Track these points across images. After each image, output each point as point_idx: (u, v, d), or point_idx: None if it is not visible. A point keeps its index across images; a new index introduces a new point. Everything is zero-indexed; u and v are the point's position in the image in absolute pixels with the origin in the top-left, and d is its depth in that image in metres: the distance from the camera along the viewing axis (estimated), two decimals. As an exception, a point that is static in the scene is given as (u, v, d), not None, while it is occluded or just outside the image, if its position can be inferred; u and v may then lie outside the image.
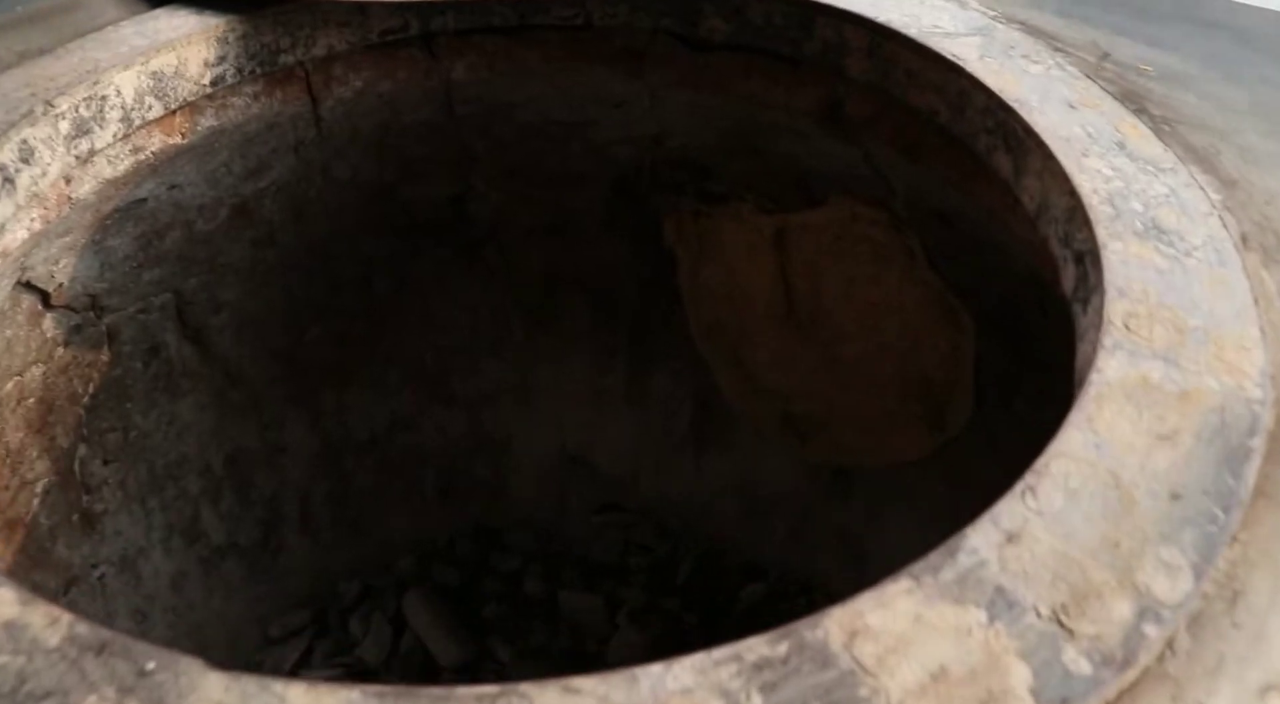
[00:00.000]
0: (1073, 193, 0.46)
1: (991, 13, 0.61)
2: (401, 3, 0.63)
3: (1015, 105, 0.51)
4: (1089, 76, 0.55)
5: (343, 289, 0.88)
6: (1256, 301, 0.41)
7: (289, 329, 0.88)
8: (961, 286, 0.75)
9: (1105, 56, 0.58)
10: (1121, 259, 0.42)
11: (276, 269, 0.83)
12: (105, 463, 0.82)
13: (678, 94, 0.70)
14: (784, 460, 0.97)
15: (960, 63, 0.54)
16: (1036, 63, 0.56)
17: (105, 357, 0.77)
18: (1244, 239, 0.45)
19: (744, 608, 1.00)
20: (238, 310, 0.84)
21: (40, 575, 0.79)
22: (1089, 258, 0.45)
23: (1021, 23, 0.61)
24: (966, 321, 0.77)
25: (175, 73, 0.59)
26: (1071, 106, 0.51)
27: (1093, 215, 0.44)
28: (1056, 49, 0.58)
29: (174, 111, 0.61)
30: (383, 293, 0.90)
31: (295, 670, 0.97)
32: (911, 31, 0.57)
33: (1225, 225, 0.45)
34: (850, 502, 0.94)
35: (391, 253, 0.88)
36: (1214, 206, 0.46)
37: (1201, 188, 0.47)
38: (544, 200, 0.86)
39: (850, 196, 0.75)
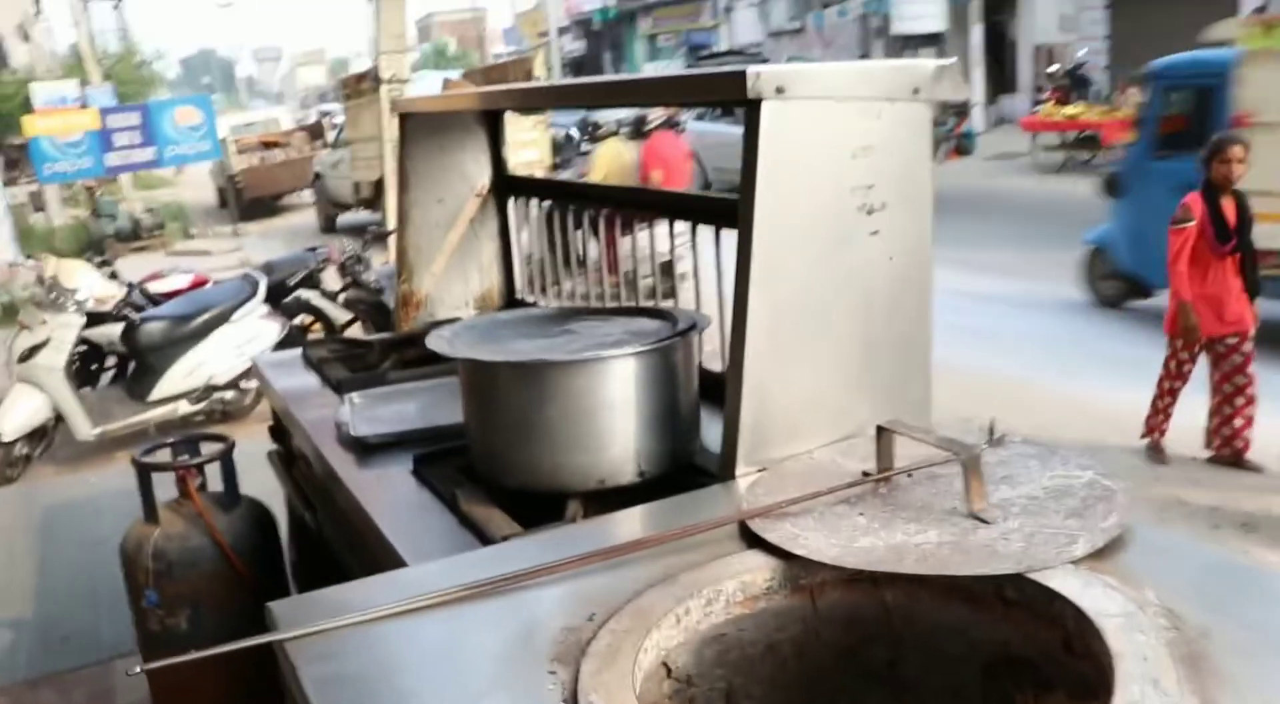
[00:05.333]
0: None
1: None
2: (859, 571, 1.40)
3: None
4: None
5: (823, 692, 1.60)
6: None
7: (787, 717, 1.60)
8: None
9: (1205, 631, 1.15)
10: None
11: (784, 683, 1.58)
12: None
13: (1007, 624, 1.36)
14: None
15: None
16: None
17: (689, 710, 1.56)
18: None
19: None
20: (756, 697, 1.59)
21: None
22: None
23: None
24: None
25: (742, 589, 1.40)
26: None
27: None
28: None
29: (742, 602, 1.41)
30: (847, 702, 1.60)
31: None
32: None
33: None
34: None
35: (850, 686, 1.58)
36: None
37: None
38: (943, 670, 1.53)
39: None
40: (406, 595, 1.37)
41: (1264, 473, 5.00)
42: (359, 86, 12.37)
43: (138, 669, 1.29)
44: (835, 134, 1.79)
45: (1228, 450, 5.11)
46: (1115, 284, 8.26)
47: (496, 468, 1.88)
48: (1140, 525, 1.44)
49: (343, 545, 2.36)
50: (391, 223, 9.18)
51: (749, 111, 1.71)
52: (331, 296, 7.48)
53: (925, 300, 1.93)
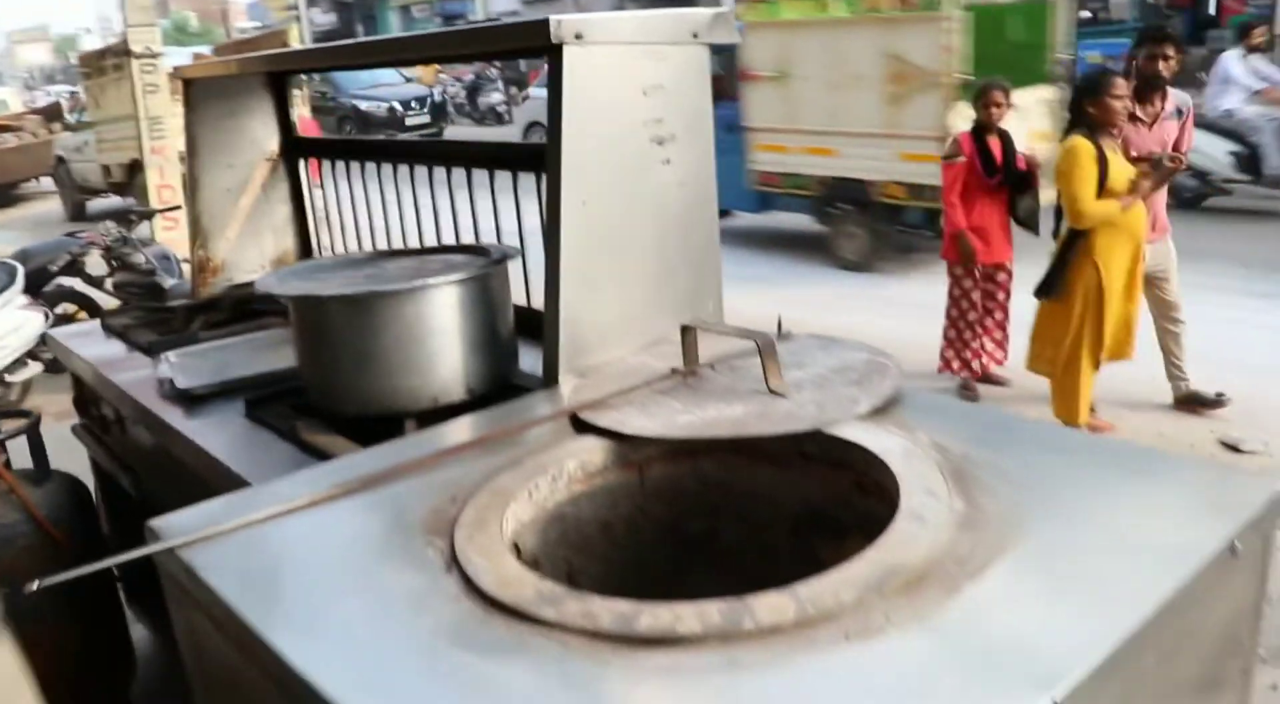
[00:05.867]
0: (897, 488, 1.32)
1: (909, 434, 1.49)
2: (680, 441, 1.62)
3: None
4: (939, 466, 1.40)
5: (650, 568, 1.82)
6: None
7: (620, 586, 1.82)
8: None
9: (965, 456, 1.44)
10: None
11: (617, 558, 1.79)
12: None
13: (807, 479, 1.62)
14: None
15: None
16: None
17: (537, 591, 1.75)
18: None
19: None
20: (593, 575, 1.79)
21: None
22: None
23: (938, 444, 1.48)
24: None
25: (581, 467, 1.60)
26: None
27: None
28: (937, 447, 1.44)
29: (581, 480, 1.62)
30: (668, 575, 1.83)
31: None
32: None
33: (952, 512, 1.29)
34: None
35: (676, 555, 1.81)
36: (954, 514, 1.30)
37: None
38: (755, 535, 1.78)
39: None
40: (274, 502, 1.51)
41: (1010, 385, 5.60)
42: (101, 63, 11.77)
43: (34, 586, 1.37)
44: (627, 75, 2.00)
45: (967, 371, 5.68)
46: None
47: (334, 397, 2.02)
48: (910, 391, 1.72)
49: (175, 501, 2.42)
50: (153, 203, 8.88)
51: (551, 57, 1.89)
52: (97, 282, 7.22)
53: (712, 220, 2.17)
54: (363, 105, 20.34)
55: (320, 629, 1.20)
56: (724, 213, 10.38)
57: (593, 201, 1.96)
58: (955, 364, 5.65)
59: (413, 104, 20.70)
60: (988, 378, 5.70)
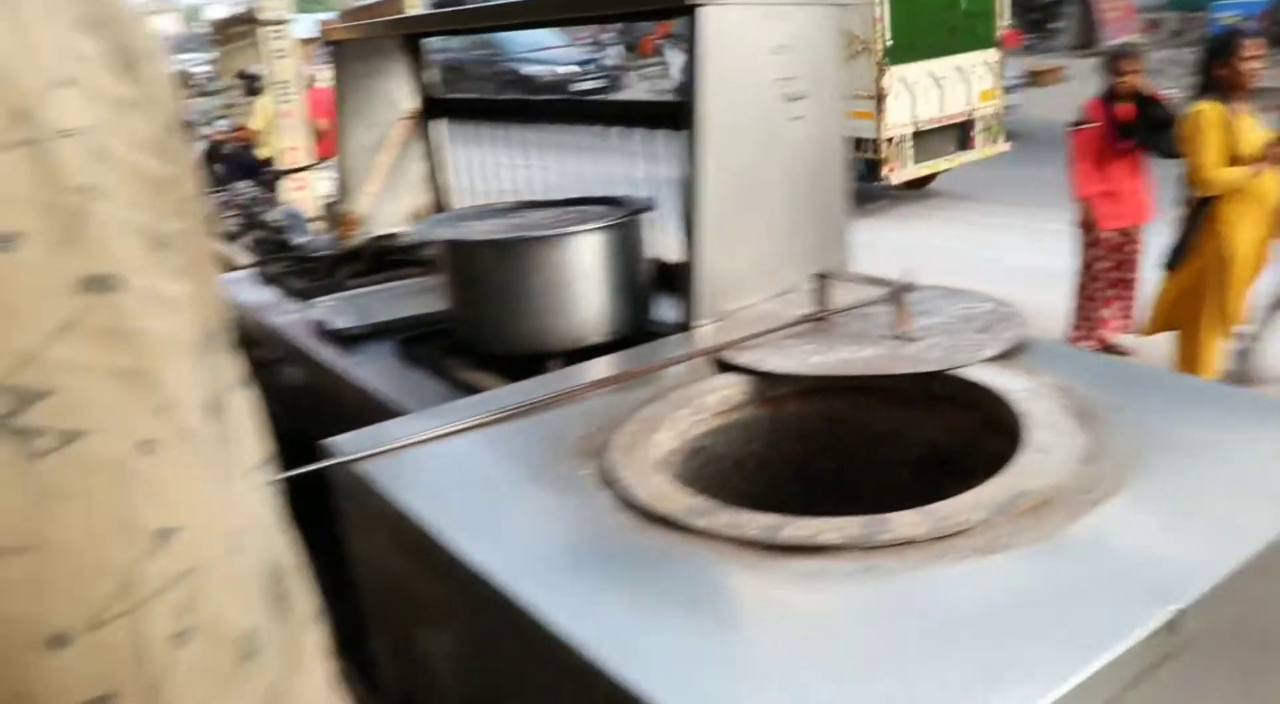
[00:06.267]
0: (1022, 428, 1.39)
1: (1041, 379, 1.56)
2: (815, 379, 1.72)
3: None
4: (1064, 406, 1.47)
5: (779, 503, 1.91)
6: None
7: (752, 524, 1.92)
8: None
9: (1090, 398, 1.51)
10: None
11: (748, 492, 1.89)
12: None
13: (934, 419, 1.70)
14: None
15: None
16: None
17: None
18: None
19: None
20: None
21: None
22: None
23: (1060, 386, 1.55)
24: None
25: (722, 402, 1.71)
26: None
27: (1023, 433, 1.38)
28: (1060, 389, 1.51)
29: (720, 414, 1.72)
30: (796, 511, 1.93)
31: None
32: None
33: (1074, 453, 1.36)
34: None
35: (804, 492, 1.91)
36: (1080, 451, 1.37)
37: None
38: (880, 475, 1.86)
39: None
40: (432, 427, 1.64)
41: (1133, 356, 5.54)
42: (229, 31, 12.17)
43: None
44: (758, 35, 2.08)
45: (1091, 339, 5.62)
46: None
47: (483, 337, 2.15)
48: (1034, 338, 1.79)
49: (324, 434, 2.60)
50: (282, 164, 9.21)
51: (689, 19, 1.99)
52: (231, 239, 7.54)
53: (840, 176, 2.25)
54: (526, 69, 19.95)
55: (492, 535, 1.33)
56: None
57: (730, 156, 2.05)
58: (1081, 333, 5.61)
59: (583, 67, 20.22)
60: (1109, 348, 5.64)
